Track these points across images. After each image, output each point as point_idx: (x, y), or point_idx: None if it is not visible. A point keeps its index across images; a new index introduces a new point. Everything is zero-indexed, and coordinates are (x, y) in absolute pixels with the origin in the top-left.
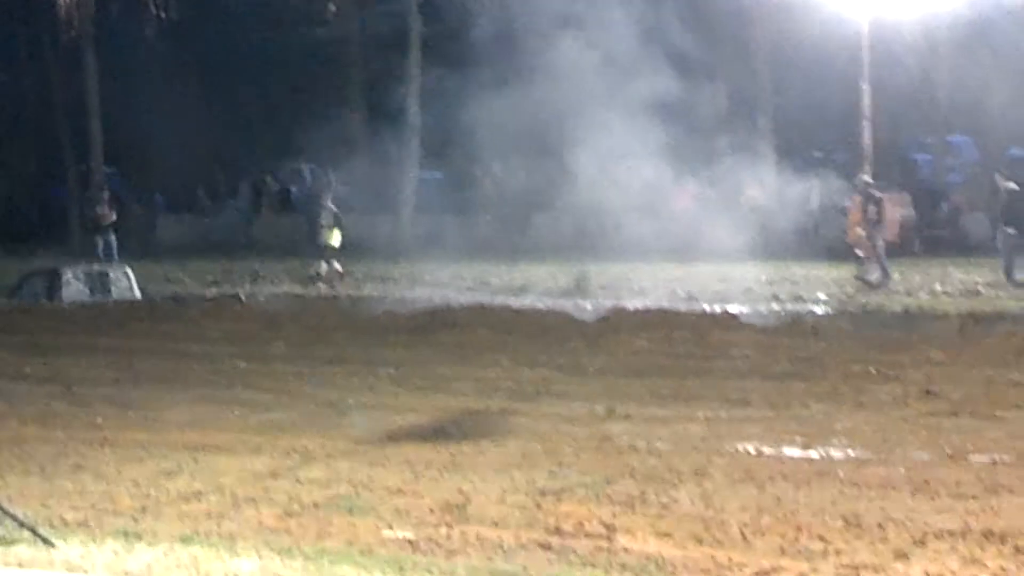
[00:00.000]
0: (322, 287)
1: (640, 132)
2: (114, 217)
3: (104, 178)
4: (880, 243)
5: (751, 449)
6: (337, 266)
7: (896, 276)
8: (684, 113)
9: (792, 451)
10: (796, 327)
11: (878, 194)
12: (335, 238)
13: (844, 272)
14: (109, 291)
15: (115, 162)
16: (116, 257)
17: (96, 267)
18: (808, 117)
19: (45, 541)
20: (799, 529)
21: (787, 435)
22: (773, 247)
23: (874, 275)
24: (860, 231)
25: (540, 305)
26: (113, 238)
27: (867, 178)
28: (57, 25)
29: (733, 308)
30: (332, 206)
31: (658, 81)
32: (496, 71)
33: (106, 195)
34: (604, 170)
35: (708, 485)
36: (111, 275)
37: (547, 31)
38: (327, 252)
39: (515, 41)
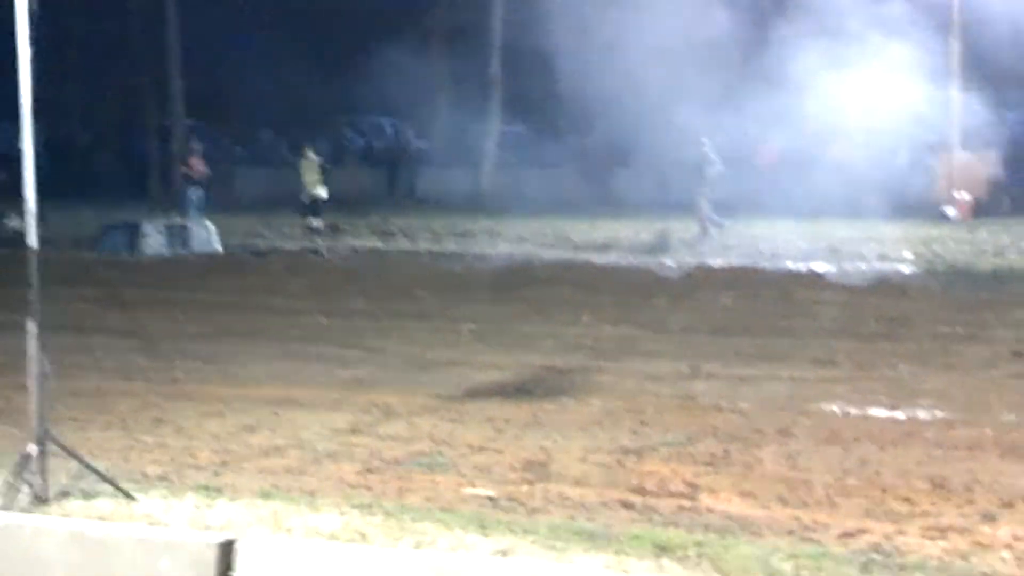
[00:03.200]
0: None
1: (722, 88)
2: (206, 170)
3: (186, 131)
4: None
5: (836, 409)
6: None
7: (984, 235)
8: (768, 68)
9: (878, 412)
10: (882, 286)
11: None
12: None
13: (932, 231)
14: (189, 245)
15: (195, 115)
16: (202, 211)
17: (177, 220)
18: None
19: (126, 495)
20: (884, 491)
21: (873, 396)
22: (858, 204)
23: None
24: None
25: (623, 262)
26: (203, 191)
27: None
28: None
29: (819, 266)
30: (316, 157)
31: (742, 34)
32: (580, 24)
33: (198, 148)
34: (687, 126)
35: (793, 445)
36: (191, 228)
37: None
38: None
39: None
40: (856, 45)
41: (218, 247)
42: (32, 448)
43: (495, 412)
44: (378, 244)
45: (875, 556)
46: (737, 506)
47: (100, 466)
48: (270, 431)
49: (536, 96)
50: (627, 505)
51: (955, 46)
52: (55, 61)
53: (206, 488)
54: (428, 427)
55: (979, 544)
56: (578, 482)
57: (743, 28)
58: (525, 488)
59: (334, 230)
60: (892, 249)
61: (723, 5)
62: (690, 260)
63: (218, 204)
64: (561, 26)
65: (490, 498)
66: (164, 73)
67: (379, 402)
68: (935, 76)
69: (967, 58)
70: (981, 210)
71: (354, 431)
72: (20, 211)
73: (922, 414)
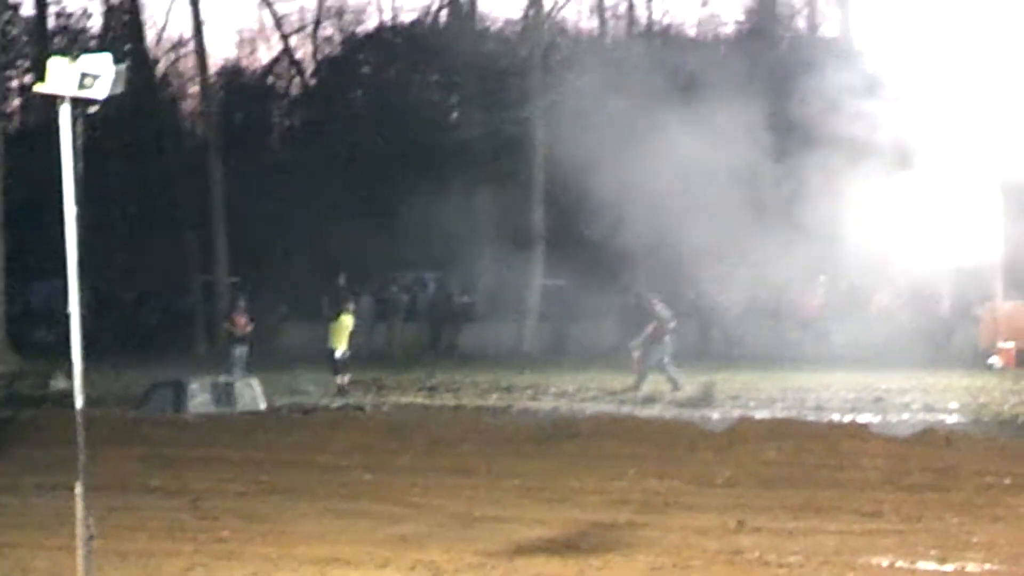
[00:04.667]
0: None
1: (764, 239)
2: (251, 327)
3: (230, 288)
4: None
5: (884, 562)
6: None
7: None
8: (809, 218)
9: (927, 565)
10: (928, 437)
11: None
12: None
13: (977, 380)
14: (235, 402)
15: (239, 271)
16: (246, 368)
17: (222, 378)
18: None
19: None
20: None
21: (921, 548)
22: (903, 354)
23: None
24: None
25: (667, 414)
26: (247, 349)
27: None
28: (182, 133)
29: (863, 418)
30: (351, 316)
31: (782, 184)
32: (618, 177)
33: (242, 305)
34: (729, 277)
35: None
36: (236, 386)
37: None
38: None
39: (635, 150)
40: (900, 197)
41: (263, 404)
42: None
43: (542, 569)
44: (422, 400)
45: None
46: None
47: None
48: None
49: (578, 249)
50: None
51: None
52: (100, 218)
53: None
54: None
55: None
56: None
57: (781, 178)
58: None
59: (378, 386)
60: (937, 399)
61: (763, 166)
62: (734, 412)
63: (262, 361)
64: (603, 178)
65: None
66: (208, 230)
67: (425, 560)
68: (979, 225)
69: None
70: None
71: None
72: (66, 371)
73: (971, 567)
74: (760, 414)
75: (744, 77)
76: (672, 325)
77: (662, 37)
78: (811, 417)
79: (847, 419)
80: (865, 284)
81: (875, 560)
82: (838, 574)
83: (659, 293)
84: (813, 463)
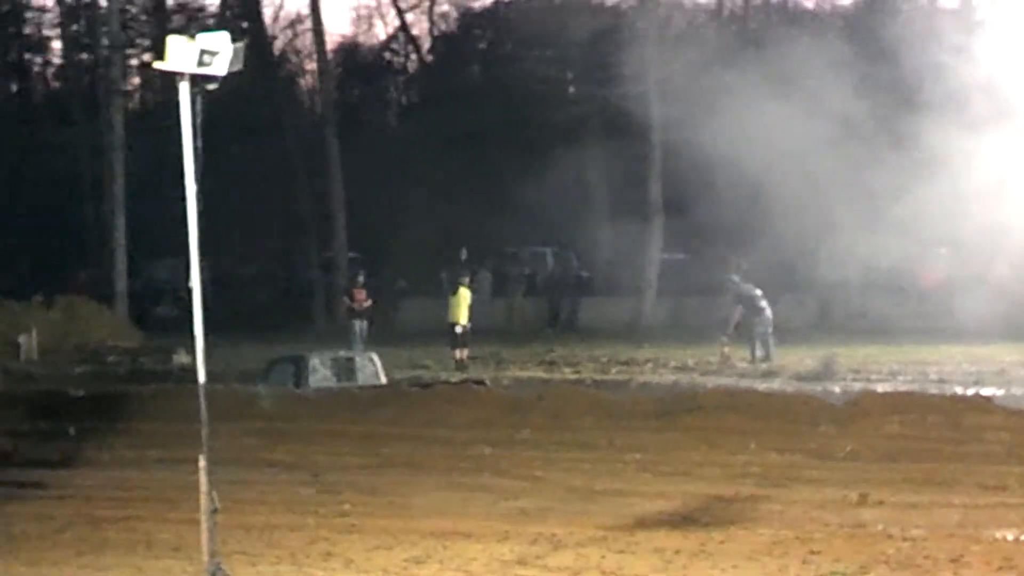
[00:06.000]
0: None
1: (884, 212)
2: (370, 302)
3: (349, 263)
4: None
5: (1009, 536)
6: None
7: None
8: (931, 190)
9: None
10: None
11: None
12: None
13: None
14: (355, 377)
15: (357, 247)
16: (365, 343)
17: (342, 353)
18: None
19: None
20: None
21: None
22: None
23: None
24: None
25: (788, 388)
26: (367, 324)
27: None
28: (299, 110)
29: (987, 391)
30: (469, 290)
31: (902, 157)
32: (734, 151)
33: (362, 280)
34: (850, 250)
35: (966, 573)
36: (357, 361)
37: (782, 115)
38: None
39: (751, 123)
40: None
41: (383, 379)
42: None
43: (663, 542)
44: (541, 374)
45: None
46: None
47: None
48: (439, 564)
49: (697, 223)
50: None
51: None
52: (218, 195)
53: None
54: (596, 558)
55: None
56: None
57: (902, 153)
58: None
59: (497, 360)
60: None
61: (882, 138)
62: (855, 385)
63: (381, 336)
64: (720, 151)
65: None
66: (327, 205)
67: (546, 533)
68: None
69: None
70: None
71: (522, 563)
72: (188, 346)
73: None
74: (881, 387)
75: (863, 49)
76: (762, 300)
77: (779, 10)
78: (933, 390)
79: (970, 392)
80: (986, 256)
81: (999, 534)
82: (962, 548)
83: (742, 271)
84: (936, 436)
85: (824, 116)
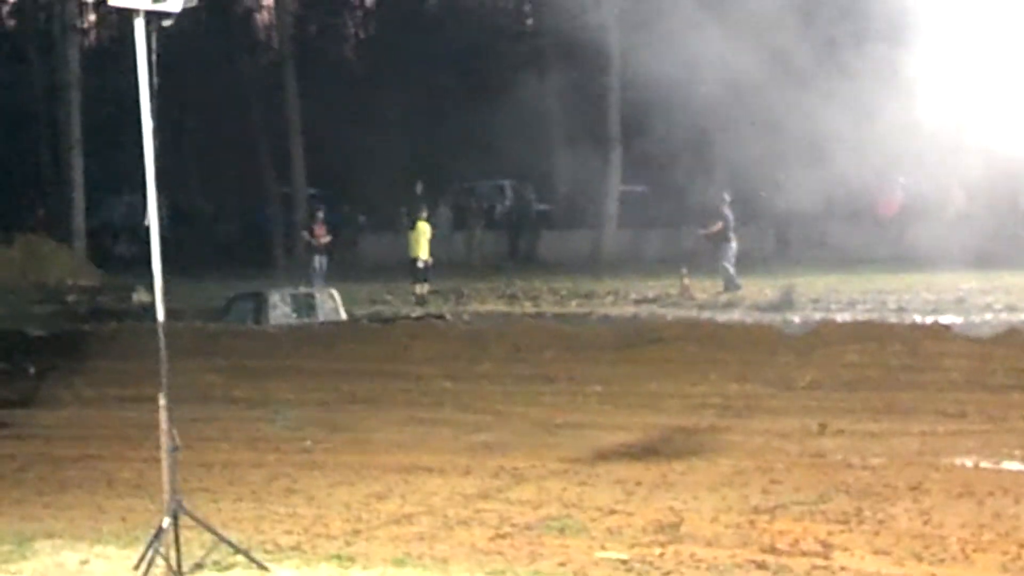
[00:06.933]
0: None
1: (842, 133)
2: (329, 238)
3: (307, 199)
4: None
5: (968, 463)
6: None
7: None
8: (886, 113)
9: (1011, 465)
10: (1011, 337)
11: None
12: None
13: None
14: (315, 313)
15: (316, 183)
16: (325, 279)
17: (302, 289)
18: None
19: (260, 566)
20: (1021, 545)
21: (1005, 448)
22: (983, 256)
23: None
24: None
25: (748, 319)
26: (326, 259)
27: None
28: (256, 46)
29: (945, 319)
30: (427, 224)
31: (858, 81)
32: (691, 79)
33: (321, 216)
34: (807, 180)
35: (926, 501)
36: (317, 297)
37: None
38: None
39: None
40: (976, 90)
41: (343, 315)
42: (165, 521)
43: (624, 474)
44: (502, 308)
45: None
46: (872, 564)
47: (233, 537)
48: (400, 498)
49: (655, 155)
50: (760, 565)
51: None
52: (176, 131)
53: (339, 557)
54: (558, 490)
55: None
56: (710, 543)
57: (859, 80)
58: (657, 550)
59: (457, 295)
60: (1020, 299)
61: (837, 63)
62: (815, 315)
63: (341, 271)
64: (678, 82)
65: (622, 561)
66: (285, 141)
67: (508, 466)
68: None
69: None
70: None
71: (484, 496)
72: (147, 284)
73: None
74: (841, 317)
75: None
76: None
77: None
78: (892, 319)
79: (929, 320)
80: (944, 183)
81: (959, 461)
82: (922, 475)
83: (727, 203)
84: (895, 365)
85: (782, 43)
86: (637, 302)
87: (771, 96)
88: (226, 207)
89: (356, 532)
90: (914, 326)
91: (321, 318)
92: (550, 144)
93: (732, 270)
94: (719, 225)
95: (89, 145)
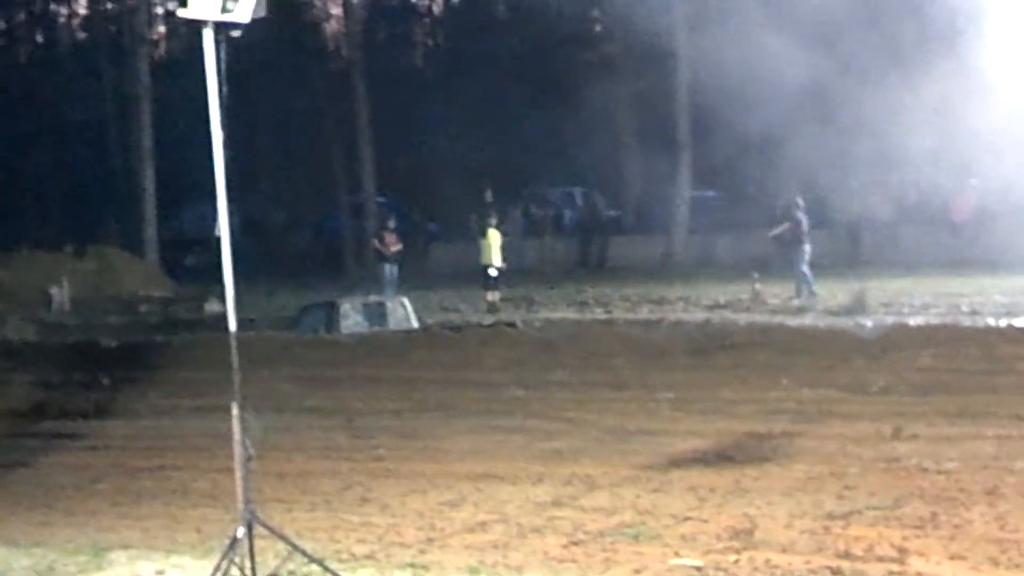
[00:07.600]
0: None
1: (915, 136)
2: (400, 246)
3: (377, 207)
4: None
5: None
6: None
7: None
8: (960, 121)
9: None
10: None
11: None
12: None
13: None
14: (386, 322)
15: (386, 191)
16: (396, 287)
17: (373, 298)
18: None
19: (334, 575)
20: None
21: None
22: None
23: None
24: None
25: (820, 324)
26: (397, 268)
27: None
28: (325, 54)
29: (1019, 322)
30: (498, 231)
31: (940, 81)
32: (762, 86)
33: (392, 224)
34: (881, 183)
35: (1001, 505)
36: (388, 305)
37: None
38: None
39: (778, 58)
40: None
41: (414, 323)
42: (240, 531)
43: (698, 480)
44: (572, 314)
45: None
46: (948, 569)
47: (307, 547)
48: (473, 506)
49: (726, 160)
50: (836, 572)
51: None
52: (247, 142)
53: (412, 566)
54: (631, 497)
55: None
56: (785, 549)
57: (931, 77)
58: (731, 557)
59: (528, 302)
60: None
61: (911, 72)
62: (887, 319)
63: (412, 279)
64: (748, 86)
65: (697, 568)
66: (354, 150)
67: (580, 474)
68: None
69: None
70: None
71: (557, 504)
72: (219, 294)
73: None
74: (914, 320)
75: None
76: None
77: None
78: (966, 322)
79: (1003, 323)
80: (1017, 186)
81: None
82: (997, 479)
83: (801, 207)
84: (969, 368)
85: (857, 47)
86: (709, 307)
87: (845, 98)
88: (297, 217)
89: (430, 540)
90: (988, 329)
91: (392, 326)
92: (619, 150)
93: (810, 275)
94: (786, 226)
95: (161, 156)
